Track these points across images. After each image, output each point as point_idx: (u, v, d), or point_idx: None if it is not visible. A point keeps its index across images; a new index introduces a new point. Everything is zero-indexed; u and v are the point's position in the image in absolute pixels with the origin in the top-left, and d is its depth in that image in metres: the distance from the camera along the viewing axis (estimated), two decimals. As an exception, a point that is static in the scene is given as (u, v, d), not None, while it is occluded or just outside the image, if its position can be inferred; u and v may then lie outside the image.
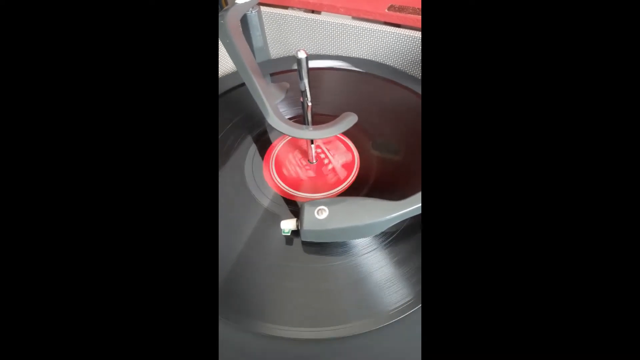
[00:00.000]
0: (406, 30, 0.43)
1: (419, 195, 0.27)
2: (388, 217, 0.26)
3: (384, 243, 0.28)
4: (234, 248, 0.29)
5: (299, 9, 0.48)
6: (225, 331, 0.24)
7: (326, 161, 0.34)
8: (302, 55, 0.23)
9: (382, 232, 0.28)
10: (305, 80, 0.25)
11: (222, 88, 0.44)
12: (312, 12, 0.48)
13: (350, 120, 0.26)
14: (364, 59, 0.47)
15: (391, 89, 0.42)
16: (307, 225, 0.27)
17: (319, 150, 0.35)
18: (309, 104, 0.27)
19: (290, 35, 0.49)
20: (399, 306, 0.25)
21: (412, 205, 0.26)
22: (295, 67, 0.45)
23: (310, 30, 0.47)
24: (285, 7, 0.49)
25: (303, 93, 0.26)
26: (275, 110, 0.27)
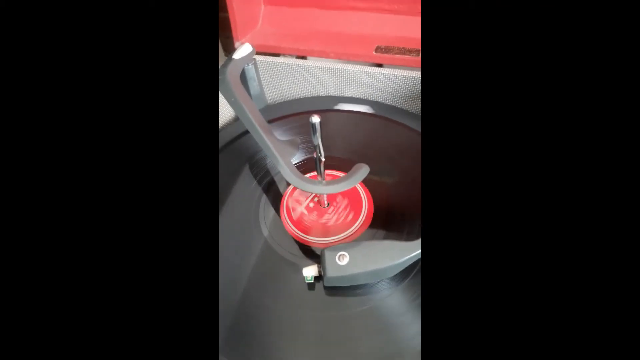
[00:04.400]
0: (392, 69, 0.46)
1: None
2: (407, 257, 0.28)
3: (407, 281, 0.30)
4: (250, 296, 0.30)
5: (291, 55, 0.51)
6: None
7: (338, 204, 0.36)
8: (315, 119, 0.25)
9: (406, 270, 0.30)
10: (319, 138, 0.27)
11: (225, 138, 0.45)
12: (304, 57, 0.51)
13: (362, 172, 0.28)
14: (360, 98, 0.50)
15: (387, 126, 0.44)
16: (330, 272, 0.28)
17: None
18: (322, 159, 0.29)
19: (284, 80, 0.51)
20: None
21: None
22: (290, 111, 0.47)
23: (302, 75, 0.50)
24: (277, 55, 0.51)
25: (316, 147, 0.28)
26: (290, 167, 0.29)
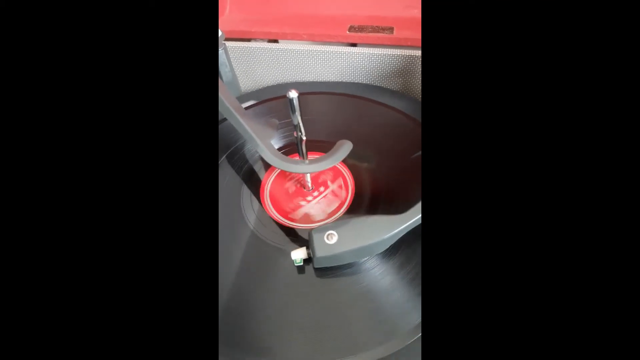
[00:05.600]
0: (366, 48, 0.45)
1: (420, 205, 0.28)
2: (396, 230, 0.28)
3: (396, 256, 0.30)
4: (241, 287, 0.29)
5: (262, 39, 0.49)
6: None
7: (322, 186, 0.35)
8: (293, 94, 0.24)
9: (394, 246, 0.30)
10: (298, 116, 0.26)
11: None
12: (276, 41, 0.50)
13: (345, 148, 0.27)
14: (333, 82, 0.49)
15: (365, 105, 0.44)
16: (319, 252, 0.28)
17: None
18: (304, 138, 0.28)
19: (257, 66, 0.50)
20: (420, 321, 0.26)
21: (416, 215, 0.28)
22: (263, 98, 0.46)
23: (276, 59, 0.48)
24: (248, 40, 0.50)
25: (296, 127, 0.27)
26: (270, 148, 0.28)
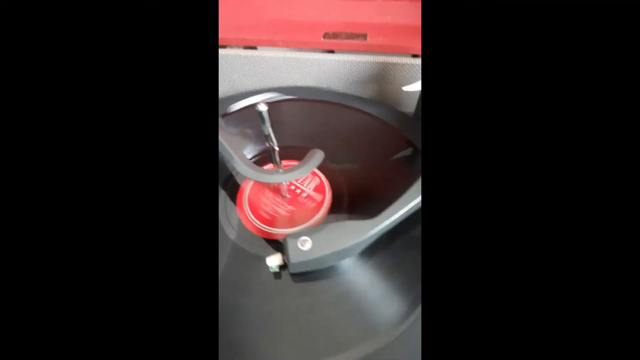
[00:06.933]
0: (342, 55, 0.46)
1: (392, 208, 0.29)
2: (369, 234, 0.28)
3: (374, 258, 0.31)
4: (220, 294, 0.29)
5: (238, 46, 0.50)
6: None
7: (298, 191, 0.36)
8: (263, 108, 0.25)
9: (370, 247, 0.30)
10: (269, 128, 0.27)
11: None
12: (252, 47, 0.50)
13: (317, 157, 0.28)
14: (302, 87, 0.49)
15: (338, 110, 0.45)
16: (293, 258, 0.28)
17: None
18: (276, 148, 0.29)
19: (234, 73, 0.50)
20: (399, 318, 0.27)
21: (388, 219, 0.29)
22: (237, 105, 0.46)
23: (252, 65, 0.49)
24: (224, 46, 0.50)
25: (267, 137, 0.28)
26: (243, 159, 0.28)
